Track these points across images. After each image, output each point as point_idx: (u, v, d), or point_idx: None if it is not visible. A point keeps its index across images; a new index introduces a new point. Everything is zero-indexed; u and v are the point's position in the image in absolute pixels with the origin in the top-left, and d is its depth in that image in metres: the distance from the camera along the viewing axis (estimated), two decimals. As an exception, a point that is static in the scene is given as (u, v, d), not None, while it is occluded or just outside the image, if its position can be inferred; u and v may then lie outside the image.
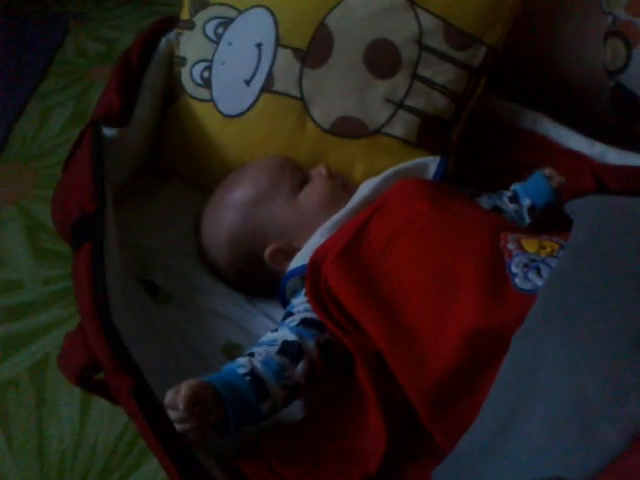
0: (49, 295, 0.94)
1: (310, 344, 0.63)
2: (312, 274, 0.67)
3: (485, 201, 0.80)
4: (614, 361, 0.48)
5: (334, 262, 0.66)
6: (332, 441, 0.60)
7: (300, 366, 0.61)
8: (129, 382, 0.55)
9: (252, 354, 0.62)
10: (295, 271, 0.72)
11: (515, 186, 0.80)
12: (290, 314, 0.68)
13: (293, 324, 0.65)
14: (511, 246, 0.64)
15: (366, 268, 0.65)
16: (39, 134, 1.29)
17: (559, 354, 0.50)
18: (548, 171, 0.79)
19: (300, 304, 0.69)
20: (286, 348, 0.62)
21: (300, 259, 0.72)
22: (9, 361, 0.85)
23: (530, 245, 0.63)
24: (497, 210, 0.79)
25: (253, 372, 0.59)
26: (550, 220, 0.77)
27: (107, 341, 0.57)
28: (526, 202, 0.78)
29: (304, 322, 0.65)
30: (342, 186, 0.80)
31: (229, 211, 0.78)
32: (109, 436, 0.75)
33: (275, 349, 0.62)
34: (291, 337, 0.63)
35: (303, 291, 0.70)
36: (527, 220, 0.78)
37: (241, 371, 0.59)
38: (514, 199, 0.79)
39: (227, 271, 0.80)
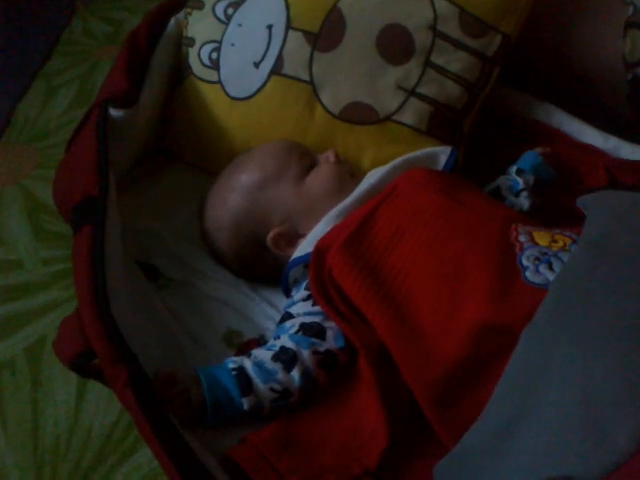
0: (48, 276, 0.93)
1: (305, 353, 0.62)
2: (316, 263, 0.66)
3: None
4: (625, 360, 0.47)
5: (339, 251, 0.65)
6: (331, 434, 0.60)
7: (294, 373, 0.61)
8: (125, 372, 0.54)
9: (250, 354, 0.63)
10: (299, 259, 0.70)
11: (512, 167, 0.82)
12: (290, 316, 0.67)
13: (292, 331, 0.65)
14: (522, 238, 0.62)
15: (372, 259, 0.64)
16: (43, 114, 1.28)
17: (569, 351, 0.49)
18: (540, 149, 0.82)
19: (300, 301, 0.68)
20: (281, 355, 0.62)
21: (304, 247, 0.71)
22: (5, 342, 0.84)
23: (541, 238, 0.62)
24: (492, 192, 0.79)
25: (241, 369, 0.61)
26: (562, 214, 0.76)
27: (103, 329, 0.56)
28: (512, 168, 0.80)
29: (303, 328, 0.65)
30: (350, 173, 0.79)
31: (234, 194, 0.77)
32: (105, 420, 0.75)
33: (271, 354, 0.62)
34: (289, 344, 0.63)
35: (304, 283, 0.69)
36: (519, 181, 0.78)
37: (230, 365, 0.62)
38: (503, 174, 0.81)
39: (229, 255, 0.78)
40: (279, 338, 0.65)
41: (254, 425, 0.61)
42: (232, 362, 0.62)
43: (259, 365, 0.61)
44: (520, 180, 0.78)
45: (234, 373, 0.60)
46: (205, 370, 0.61)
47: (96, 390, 0.77)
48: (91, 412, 0.75)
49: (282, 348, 0.63)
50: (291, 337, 0.64)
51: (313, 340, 0.63)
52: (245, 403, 0.60)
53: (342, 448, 0.58)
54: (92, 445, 0.72)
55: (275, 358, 0.62)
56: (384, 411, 0.58)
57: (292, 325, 0.66)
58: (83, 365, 0.57)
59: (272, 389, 0.60)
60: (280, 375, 0.61)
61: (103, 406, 0.76)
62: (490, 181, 0.82)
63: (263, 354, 0.63)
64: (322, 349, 0.63)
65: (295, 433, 0.60)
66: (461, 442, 0.52)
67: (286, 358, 0.62)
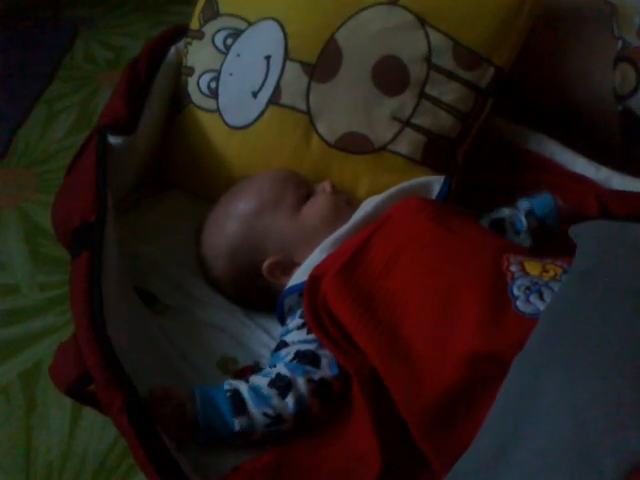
0: (44, 301, 0.93)
1: (300, 381, 0.63)
2: (310, 290, 0.66)
3: (485, 221, 0.80)
4: (614, 390, 0.47)
5: (333, 279, 0.65)
6: (324, 462, 0.60)
7: (288, 400, 0.62)
8: (120, 397, 0.54)
9: (247, 380, 0.64)
10: (294, 288, 0.71)
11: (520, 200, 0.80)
12: (285, 344, 0.68)
13: (288, 359, 0.66)
14: (514, 268, 0.63)
15: (365, 286, 0.65)
16: (43, 138, 1.29)
17: (559, 381, 0.50)
18: (559, 198, 0.79)
19: (294, 329, 0.68)
20: (277, 381, 0.63)
21: (299, 276, 0.71)
22: (0, 367, 0.84)
23: (533, 268, 0.63)
24: (496, 222, 0.78)
25: (236, 391, 0.62)
26: (554, 243, 0.76)
27: (100, 354, 0.56)
28: (524, 206, 0.78)
29: (298, 356, 0.65)
30: (346, 202, 0.80)
31: (231, 221, 0.78)
32: (99, 448, 0.74)
33: (267, 380, 0.63)
34: (284, 371, 0.64)
35: (299, 311, 0.69)
36: (524, 223, 0.76)
37: (226, 387, 0.63)
38: (512, 206, 0.79)
39: (226, 282, 0.79)
40: (275, 366, 0.65)
41: (249, 452, 0.61)
42: (228, 384, 0.63)
43: (255, 390, 0.62)
44: (525, 222, 0.77)
45: (229, 394, 0.62)
46: (200, 388, 0.62)
47: (90, 417, 0.76)
48: (85, 439, 0.75)
49: (278, 375, 0.63)
50: (286, 365, 0.64)
51: (308, 368, 0.64)
52: (237, 424, 0.60)
53: (336, 475, 0.58)
54: (85, 472, 0.72)
55: (271, 384, 0.63)
56: (377, 438, 0.58)
57: (287, 353, 0.66)
58: (79, 390, 0.58)
59: (265, 414, 0.61)
60: (274, 401, 0.61)
61: (97, 433, 0.75)
62: (483, 208, 0.82)
63: (259, 380, 0.63)
64: (317, 377, 0.63)
65: (288, 462, 0.59)
66: (452, 470, 0.52)
67: (281, 385, 0.62)
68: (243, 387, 0.62)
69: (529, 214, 0.77)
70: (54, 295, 0.94)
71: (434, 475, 0.56)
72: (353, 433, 0.60)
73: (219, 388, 0.63)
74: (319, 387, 0.63)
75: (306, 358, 0.65)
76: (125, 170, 0.88)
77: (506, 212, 0.79)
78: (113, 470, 0.72)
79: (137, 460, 0.53)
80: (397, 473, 0.58)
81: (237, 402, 0.61)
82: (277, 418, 0.61)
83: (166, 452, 0.53)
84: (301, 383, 0.62)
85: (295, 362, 0.65)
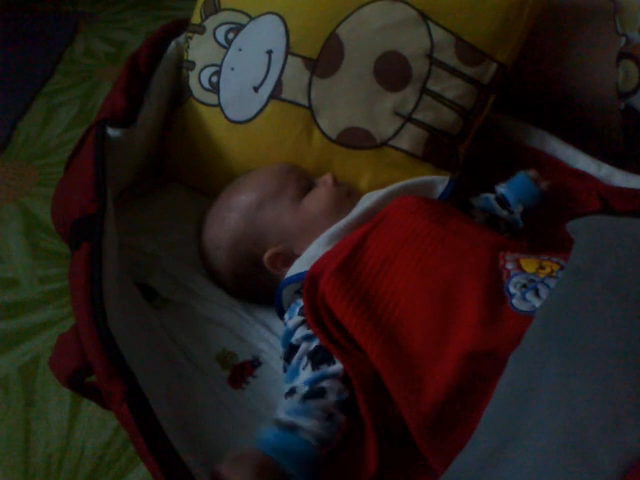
0: (44, 294, 0.93)
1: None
2: (309, 290, 0.66)
3: (479, 211, 0.81)
4: (611, 386, 0.47)
5: (331, 278, 0.64)
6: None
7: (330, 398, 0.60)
8: (122, 387, 0.54)
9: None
10: (291, 279, 0.70)
11: (501, 189, 0.83)
12: (295, 349, 0.65)
13: (304, 377, 0.62)
14: (510, 266, 0.62)
15: (363, 285, 0.64)
16: (43, 132, 1.29)
17: (555, 377, 0.49)
18: (534, 173, 0.83)
19: (296, 327, 0.67)
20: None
21: (296, 268, 0.71)
22: (-1, 360, 0.84)
23: (529, 265, 0.62)
24: (493, 219, 0.81)
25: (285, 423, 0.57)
26: (552, 238, 0.76)
27: (101, 345, 0.56)
28: (518, 208, 0.81)
29: (312, 359, 0.63)
30: (347, 194, 0.79)
31: (232, 214, 0.78)
32: (97, 441, 0.74)
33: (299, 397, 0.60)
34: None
35: (297, 309, 0.68)
36: (521, 224, 0.81)
37: (275, 430, 0.57)
38: (504, 205, 0.81)
39: (227, 274, 0.79)
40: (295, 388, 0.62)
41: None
42: (272, 425, 0.57)
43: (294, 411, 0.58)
44: (522, 222, 0.81)
45: (286, 431, 0.56)
46: (264, 445, 0.55)
47: (89, 410, 0.76)
48: (84, 432, 0.75)
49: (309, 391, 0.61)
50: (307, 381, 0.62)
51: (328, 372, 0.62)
52: (314, 443, 0.56)
53: (332, 473, 0.58)
54: (84, 466, 0.72)
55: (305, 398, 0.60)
56: (375, 438, 0.57)
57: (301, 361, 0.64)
58: (79, 382, 0.57)
59: (317, 417, 0.58)
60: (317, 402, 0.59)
61: (96, 427, 0.75)
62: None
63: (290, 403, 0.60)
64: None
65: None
66: (451, 467, 0.52)
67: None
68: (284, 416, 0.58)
69: (524, 213, 0.81)
70: (53, 288, 0.93)
71: (434, 474, 0.55)
72: (353, 434, 0.60)
73: (273, 434, 0.56)
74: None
75: (319, 355, 0.63)
76: (124, 164, 0.88)
77: (503, 212, 0.81)
78: (111, 464, 0.72)
79: (138, 450, 0.53)
80: (396, 472, 0.58)
81: (294, 429, 0.57)
82: (329, 415, 0.59)
83: (167, 442, 0.53)
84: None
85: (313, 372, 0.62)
